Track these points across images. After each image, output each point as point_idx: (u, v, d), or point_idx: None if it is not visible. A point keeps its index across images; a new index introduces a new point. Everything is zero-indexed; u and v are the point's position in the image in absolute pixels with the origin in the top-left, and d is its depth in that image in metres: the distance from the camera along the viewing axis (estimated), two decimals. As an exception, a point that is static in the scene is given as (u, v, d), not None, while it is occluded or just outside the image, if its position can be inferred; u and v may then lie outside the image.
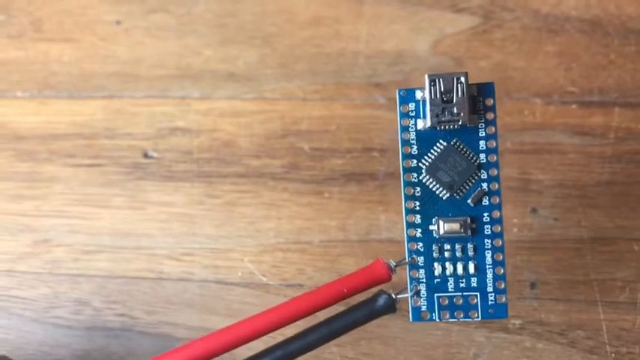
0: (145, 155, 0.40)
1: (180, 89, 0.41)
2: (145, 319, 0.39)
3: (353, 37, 0.41)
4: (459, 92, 0.26)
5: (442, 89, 0.26)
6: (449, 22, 0.41)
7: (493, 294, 0.28)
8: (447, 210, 0.28)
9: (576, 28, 0.40)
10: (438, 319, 0.28)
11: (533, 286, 0.37)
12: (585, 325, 0.36)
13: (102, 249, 0.40)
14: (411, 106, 0.27)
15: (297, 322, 0.27)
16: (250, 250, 0.39)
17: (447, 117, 0.26)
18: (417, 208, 0.28)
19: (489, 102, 0.27)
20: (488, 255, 0.28)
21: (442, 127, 0.27)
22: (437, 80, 0.26)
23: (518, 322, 0.37)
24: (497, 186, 0.27)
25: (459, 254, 0.28)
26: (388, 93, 0.40)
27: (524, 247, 0.38)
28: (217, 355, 0.27)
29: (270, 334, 0.27)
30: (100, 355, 0.38)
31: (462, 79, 0.26)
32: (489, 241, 0.28)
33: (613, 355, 0.36)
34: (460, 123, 0.26)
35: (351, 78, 0.40)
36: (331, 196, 0.39)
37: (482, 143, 0.27)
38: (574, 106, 0.39)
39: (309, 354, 0.36)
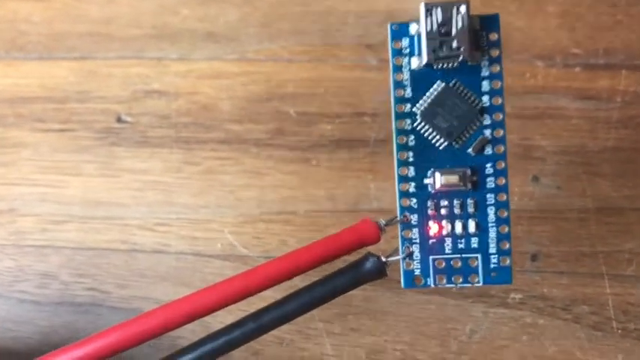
0: (119, 120, 0.39)
1: (157, 50, 0.40)
2: (117, 294, 0.38)
3: (342, -6, 0.39)
4: (458, 23, 0.23)
5: (440, 20, 0.23)
6: (446, -21, 0.39)
7: (496, 256, 0.25)
8: (444, 161, 0.25)
9: (580, -15, 0.38)
10: (433, 285, 0.25)
11: (534, 258, 0.36)
12: (590, 299, 0.35)
13: (71, 219, 0.38)
14: (405, 42, 0.25)
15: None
16: (230, 221, 0.38)
17: (446, 52, 0.24)
18: (411, 159, 0.25)
19: (494, 37, 0.24)
20: (491, 212, 0.25)
21: (440, 66, 0.24)
22: (434, 9, 0.23)
23: (518, 296, 0.36)
24: (502, 133, 0.25)
25: (457, 211, 0.25)
26: (380, 54, 0.38)
27: (525, 216, 0.36)
28: (192, 320, 0.24)
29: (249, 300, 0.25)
30: (67, 331, 0.37)
31: (462, 8, 0.23)
32: (492, 196, 0.25)
33: (619, 331, 0.35)
34: (460, 59, 0.24)
35: (341, 38, 0.39)
36: (319, 164, 0.38)
37: (485, 84, 0.25)
38: (578, 69, 0.38)
39: (292, 329, 0.36)
